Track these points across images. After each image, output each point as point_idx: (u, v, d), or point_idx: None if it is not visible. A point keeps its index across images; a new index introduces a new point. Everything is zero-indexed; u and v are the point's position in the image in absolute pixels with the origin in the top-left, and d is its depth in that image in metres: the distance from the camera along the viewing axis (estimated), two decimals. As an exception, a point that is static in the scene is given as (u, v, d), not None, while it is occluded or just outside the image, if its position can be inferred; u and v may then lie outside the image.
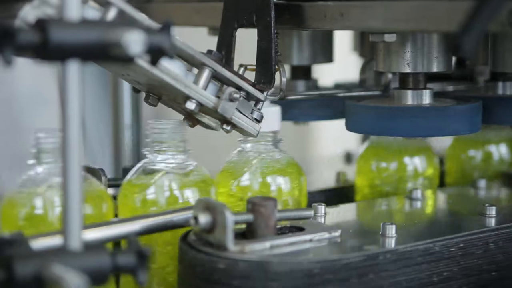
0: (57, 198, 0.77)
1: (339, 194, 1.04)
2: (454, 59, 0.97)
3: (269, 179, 0.87)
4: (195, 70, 0.81)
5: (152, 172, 0.83)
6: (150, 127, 0.84)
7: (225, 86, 0.81)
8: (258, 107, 0.84)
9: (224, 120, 0.82)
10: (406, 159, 0.99)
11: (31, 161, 0.78)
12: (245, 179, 0.87)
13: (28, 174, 0.78)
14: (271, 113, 0.89)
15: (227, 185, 0.88)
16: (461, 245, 0.78)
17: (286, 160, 0.89)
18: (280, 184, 0.88)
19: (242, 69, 0.87)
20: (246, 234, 0.74)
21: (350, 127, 0.91)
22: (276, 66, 0.85)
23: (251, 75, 0.85)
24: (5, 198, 0.78)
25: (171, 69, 0.77)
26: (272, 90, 0.86)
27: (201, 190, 0.83)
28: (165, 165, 0.83)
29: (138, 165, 0.84)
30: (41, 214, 0.77)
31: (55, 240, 0.69)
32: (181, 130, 0.83)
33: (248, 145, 0.89)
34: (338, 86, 1.10)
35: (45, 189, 0.77)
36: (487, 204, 0.85)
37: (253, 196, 0.82)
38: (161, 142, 0.83)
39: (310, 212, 0.78)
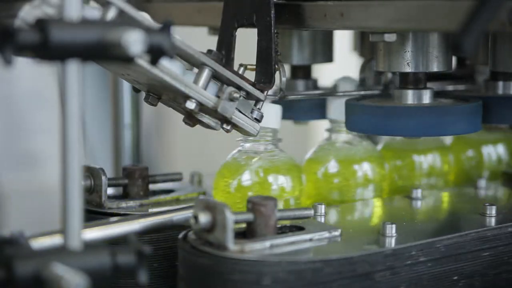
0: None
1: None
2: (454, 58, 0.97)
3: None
4: (196, 70, 0.81)
5: None
6: None
7: (225, 86, 0.81)
8: (258, 107, 0.85)
9: (224, 120, 0.82)
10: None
11: None
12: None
13: None
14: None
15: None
16: (461, 244, 0.78)
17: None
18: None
19: (242, 68, 0.87)
20: (246, 233, 0.74)
21: (350, 126, 0.91)
22: (276, 66, 0.85)
23: (251, 75, 0.85)
24: None
25: (171, 69, 0.77)
26: (272, 89, 0.86)
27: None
28: None
29: None
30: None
31: (55, 240, 0.69)
32: None
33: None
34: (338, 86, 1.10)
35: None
36: (487, 204, 0.85)
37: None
38: None
39: (310, 212, 0.78)
